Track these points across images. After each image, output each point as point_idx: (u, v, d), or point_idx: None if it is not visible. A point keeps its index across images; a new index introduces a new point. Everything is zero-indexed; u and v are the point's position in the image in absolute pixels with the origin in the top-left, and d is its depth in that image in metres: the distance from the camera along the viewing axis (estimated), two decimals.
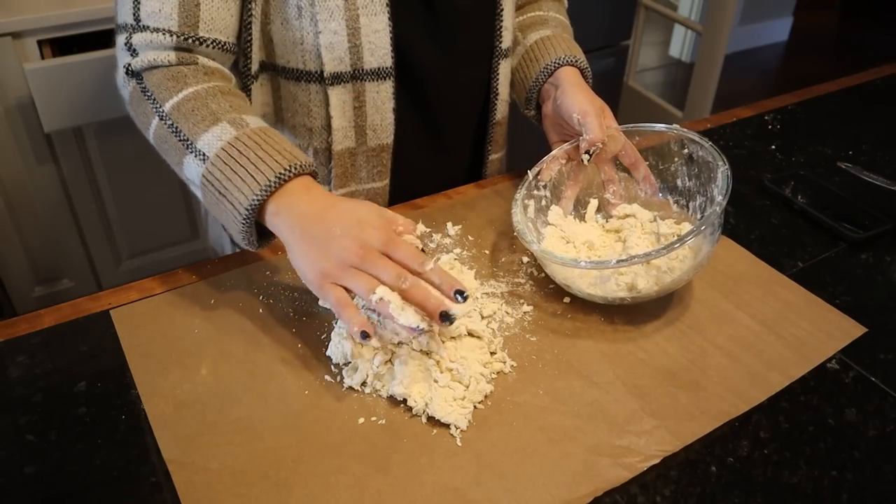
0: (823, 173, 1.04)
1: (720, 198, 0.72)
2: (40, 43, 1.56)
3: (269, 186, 0.66)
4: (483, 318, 0.73)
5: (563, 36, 0.96)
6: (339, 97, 0.85)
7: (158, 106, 0.73)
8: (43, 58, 1.56)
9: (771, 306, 0.78)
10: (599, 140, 0.82)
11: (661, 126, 0.84)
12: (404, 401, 0.64)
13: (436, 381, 0.64)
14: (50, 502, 0.56)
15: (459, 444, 0.61)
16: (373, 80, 0.85)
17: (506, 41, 0.94)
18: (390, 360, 0.66)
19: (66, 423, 0.62)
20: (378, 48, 0.83)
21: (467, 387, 0.65)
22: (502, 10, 0.91)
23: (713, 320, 0.76)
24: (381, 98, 0.87)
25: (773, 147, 1.11)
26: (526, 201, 0.82)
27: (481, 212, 0.91)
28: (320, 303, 0.74)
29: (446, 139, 0.99)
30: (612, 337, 0.73)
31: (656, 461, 0.61)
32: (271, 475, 0.58)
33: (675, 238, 0.73)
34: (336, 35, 0.80)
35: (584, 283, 0.74)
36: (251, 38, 0.80)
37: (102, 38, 1.63)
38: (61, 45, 1.62)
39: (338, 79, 0.84)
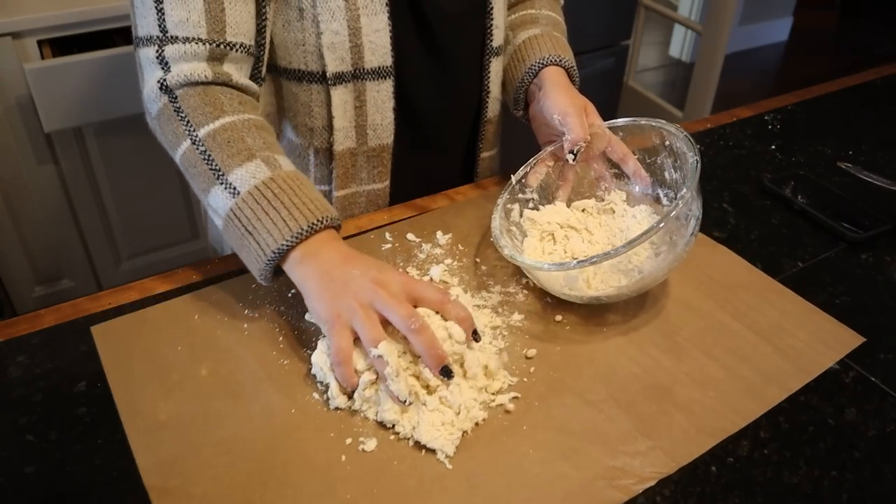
0: (823, 173, 1.04)
1: (684, 189, 0.69)
2: (40, 43, 1.56)
3: (301, 234, 0.67)
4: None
5: (552, 34, 0.95)
6: (340, 97, 0.85)
7: (192, 130, 0.72)
8: (43, 58, 1.56)
9: (767, 316, 0.76)
10: (581, 139, 0.81)
11: (642, 120, 0.83)
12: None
13: (424, 405, 0.62)
14: (50, 502, 0.56)
15: (449, 466, 0.59)
16: (373, 79, 0.85)
17: (497, 39, 0.93)
18: (376, 383, 0.63)
19: (66, 423, 0.62)
20: (378, 47, 0.83)
21: (458, 413, 0.62)
22: (492, 8, 0.91)
23: (709, 331, 0.74)
24: (382, 97, 0.87)
25: (773, 147, 1.11)
26: (509, 206, 0.81)
27: (471, 219, 0.89)
28: (306, 316, 0.73)
29: (440, 139, 0.99)
30: (605, 349, 0.71)
31: (651, 483, 0.59)
32: (255, 500, 0.56)
33: (639, 234, 0.69)
34: (338, 35, 0.81)
35: (557, 285, 0.74)
36: (264, 42, 0.80)
37: (102, 38, 1.63)
38: (61, 45, 1.61)
39: (339, 78, 0.84)
